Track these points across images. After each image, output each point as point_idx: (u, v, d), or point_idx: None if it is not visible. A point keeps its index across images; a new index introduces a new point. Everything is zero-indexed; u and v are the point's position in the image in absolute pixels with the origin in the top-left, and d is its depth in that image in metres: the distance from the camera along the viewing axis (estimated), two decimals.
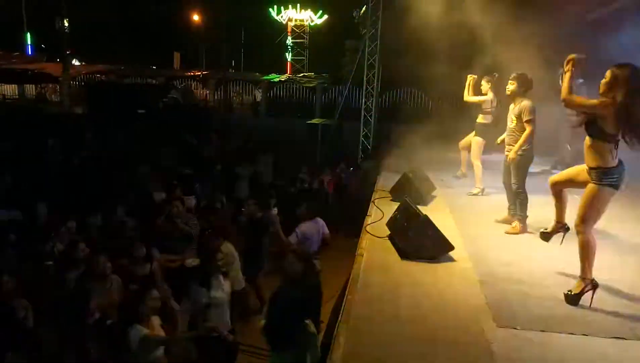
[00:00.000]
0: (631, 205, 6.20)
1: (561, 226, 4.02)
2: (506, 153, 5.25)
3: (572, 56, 3.57)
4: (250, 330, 5.43)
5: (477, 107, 6.83)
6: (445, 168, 8.46)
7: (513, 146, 5.09)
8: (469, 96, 6.92)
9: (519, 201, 5.19)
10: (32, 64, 22.92)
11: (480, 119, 6.80)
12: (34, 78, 21.49)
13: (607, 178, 3.43)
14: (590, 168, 3.52)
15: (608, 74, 3.41)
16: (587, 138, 3.54)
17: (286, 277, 4.33)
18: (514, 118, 5.09)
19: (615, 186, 3.45)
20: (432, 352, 2.91)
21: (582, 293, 3.51)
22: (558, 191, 3.97)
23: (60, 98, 21.18)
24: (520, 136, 5.02)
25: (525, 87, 5.06)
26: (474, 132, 6.94)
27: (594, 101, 3.41)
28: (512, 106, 5.18)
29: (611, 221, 5.46)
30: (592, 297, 3.50)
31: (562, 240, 4.03)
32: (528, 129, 4.98)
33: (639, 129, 3.33)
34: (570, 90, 3.51)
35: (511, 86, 5.11)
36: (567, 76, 3.54)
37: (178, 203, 6.28)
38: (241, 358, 5.21)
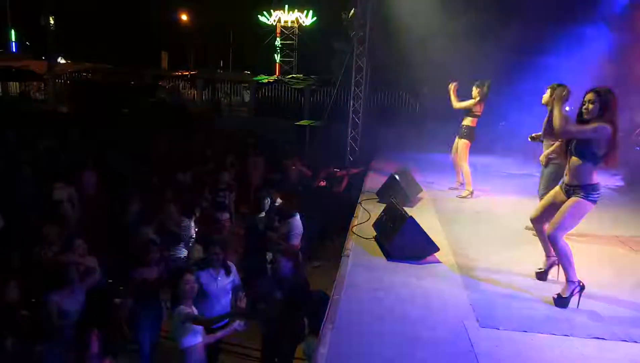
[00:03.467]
0: (611, 211, 6.34)
1: (554, 261, 3.97)
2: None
3: (560, 92, 3.68)
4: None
5: (466, 111, 6.86)
6: (432, 170, 8.54)
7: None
8: (457, 103, 6.95)
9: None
10: (16, 61, 22.56)
11: (469, 122, 6.82)
12: (18, 76, 21.11)
13: (593, 193, 3.61)
14: (577, 186, 3.64)
15: (593, 96, 3.53)
16: (575, 158, 3.63)
17: (274, 275, 4.39)
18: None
19: (595, 202, 3.64)
20: (416, 352, 2.93)
21: (571, 295, 3.59)
22: (541, 226, 3.97)
23: (45, 96, 20.87)
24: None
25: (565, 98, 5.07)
26: (458, 136, 6.99)
27: (593, 125, 3.47)
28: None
29: (592, 225, 5.60)
30: (579, 299, 3.58)
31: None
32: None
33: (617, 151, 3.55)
34: (566, 120, 3.59)
35: (547, 96, 4.98)
36: (557, 108, 3.61)
37: (170, 205, 6.19)
38: (231, 360, 5.20)
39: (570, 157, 3.69)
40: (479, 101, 6.71)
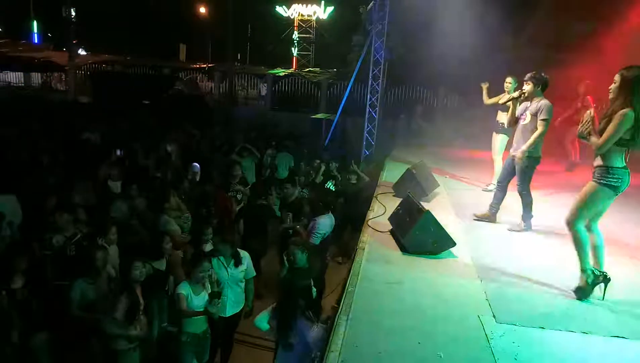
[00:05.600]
0: (632, 208, 6.19)
1: (601, 274, 3.59)
2: (512, 152, 5.17)
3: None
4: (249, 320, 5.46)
5: (500, 106, 6.74)
6: (448, 165, 8.47)
7: (521, 144, 4.99)
8: (487, 100, 6.85)
9: (524, 202, 5.15)
10: (38, 53, 22.94)
11: (502, 117, 6.67)
12: (40, 67, 21.51)
13: (607, 177, 3.41)
14: (594, 167, 3.52)
15: (617, 77, 3.37)
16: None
17: (290, 265, 4.41)
18: (529, 115, 4.97)
19: (613, 188, 3.41)
20: (431, 346, 2.91)
21: (587, 284, 3.52)
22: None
23: (66, 87, 21.20)
24: (531, 135, 4.89)
25: (542, 86, 4.95)
26: (495, 132, 6.88)
27: (616, 121, 3.27)
28: (527, 103, 5.05)
29: (614, 222, 5.48)
30: (604, 290, 3.52)
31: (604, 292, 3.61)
32: (541, 128, 4.83)
33: None
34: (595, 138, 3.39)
35: (527, 87, 4.97)
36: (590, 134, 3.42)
37: (172, 197, 6.19)
38: (240, 350, 5.24)
39: None
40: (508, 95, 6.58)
